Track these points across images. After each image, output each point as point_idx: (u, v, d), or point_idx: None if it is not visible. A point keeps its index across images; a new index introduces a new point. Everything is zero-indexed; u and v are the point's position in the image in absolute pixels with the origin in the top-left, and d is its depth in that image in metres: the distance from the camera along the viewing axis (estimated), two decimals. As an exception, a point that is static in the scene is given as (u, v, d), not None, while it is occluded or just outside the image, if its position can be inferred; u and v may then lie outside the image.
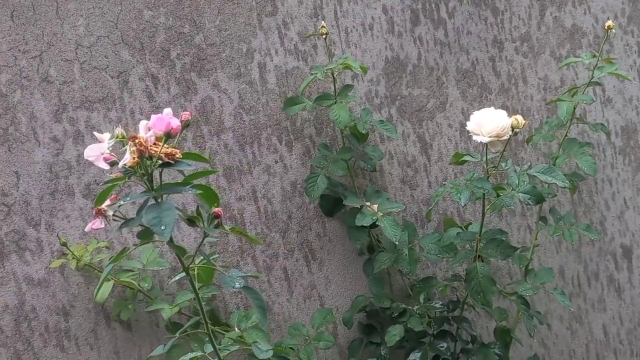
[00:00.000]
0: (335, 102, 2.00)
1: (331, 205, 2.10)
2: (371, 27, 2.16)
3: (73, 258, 1.74)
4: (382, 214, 2.00)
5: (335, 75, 2.01)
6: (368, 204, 2.04)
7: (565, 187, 1.86)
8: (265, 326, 1.32)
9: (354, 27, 2.14)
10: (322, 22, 2.04)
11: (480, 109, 1.78)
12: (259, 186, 2.02)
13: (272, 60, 2.03)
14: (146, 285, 1.81)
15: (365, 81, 2.16)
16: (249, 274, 1.43)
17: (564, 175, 1.85)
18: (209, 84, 1.95)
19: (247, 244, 2.00)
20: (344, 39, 2.13)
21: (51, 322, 1.78)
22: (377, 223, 1.98)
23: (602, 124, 2.25)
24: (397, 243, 1.97)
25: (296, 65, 2.06)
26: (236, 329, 1.83)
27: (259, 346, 1.50)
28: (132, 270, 1.80)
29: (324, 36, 1.99)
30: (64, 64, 1.79)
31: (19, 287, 1.75)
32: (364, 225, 1.98)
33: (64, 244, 1.74)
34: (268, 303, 2.03)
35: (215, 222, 1.31)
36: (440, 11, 2.26)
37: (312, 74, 1.98)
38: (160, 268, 1.84)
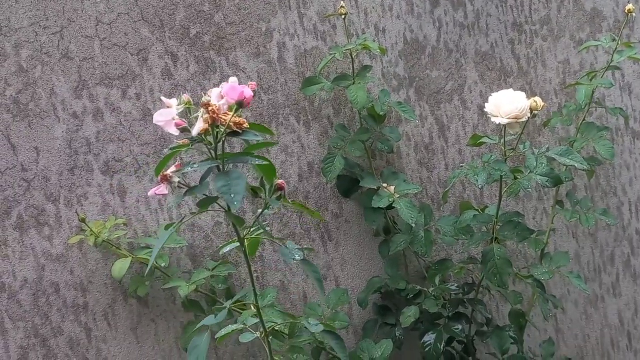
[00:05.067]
0: (354, 83, 1.99)
1: (348, 186, 2.10)
2: (391, 8, 2.15)
3: (91, 234, 1.75)
4: (398, 196, 2.00)
5: (353, 56, 2.01)
6: (385, 185, 2.04)
7: (583, 170, 1.86)
8: (323, 299, 1.31)
9: (373, 7, 2.13)
10: (342, 2, 2.04)
11: (498, 92, 1.77)
12: (276, 166, 2.01)
13: (292, 40, 2.02)
14: (163, 263, 1.82)
15: (384, 62, 2.16)
16: (306, 247, 1.45)
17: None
18: (228, 63, 1.95)
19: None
20: (363, 19, 2.12)
21: (69, 297, 1.80)
22: (393, 205, 1.98)
23: (620, 109, 2.24)
24: (413, 225, 1.97)
25: (315, 45, 2.06)
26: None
27: (309, 320, 1.52)
28: (149, 248, 1.82)
29: (343, 16, 1.99)
30: (84, 40, 1.79)
31: (38, 262, 1.76)
32: (381, 206, 1.98)
33: (83, 220, 1.75)
34: (284, 283, 2.04)
35: (278, 194, 1.32)
36: (460, -7, 2.25)
37: (330, 54, 1.98)
38: (178, 246, 1.85)
